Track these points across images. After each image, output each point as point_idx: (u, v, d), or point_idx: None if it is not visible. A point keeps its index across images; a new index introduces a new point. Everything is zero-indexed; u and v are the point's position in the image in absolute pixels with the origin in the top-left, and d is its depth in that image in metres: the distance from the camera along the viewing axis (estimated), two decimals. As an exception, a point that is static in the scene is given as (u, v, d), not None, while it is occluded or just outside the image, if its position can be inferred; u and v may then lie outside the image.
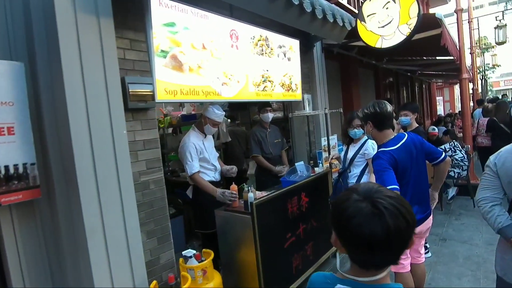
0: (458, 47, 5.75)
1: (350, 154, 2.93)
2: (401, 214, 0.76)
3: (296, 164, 3.35)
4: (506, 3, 13.25)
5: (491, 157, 1.77)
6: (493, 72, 22.45)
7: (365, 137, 2.95)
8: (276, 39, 3.59)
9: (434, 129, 6.90)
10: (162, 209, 2.40)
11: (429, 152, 2.31)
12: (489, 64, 19.71)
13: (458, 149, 5.37)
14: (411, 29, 3.66)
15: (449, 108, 19.34)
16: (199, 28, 2.68)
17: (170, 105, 4.69)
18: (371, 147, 2.89)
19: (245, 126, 5.32)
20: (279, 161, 3.82)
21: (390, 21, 3.81)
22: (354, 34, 4.09)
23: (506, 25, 10.76)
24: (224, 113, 3.06)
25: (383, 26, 3.87)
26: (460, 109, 11.29)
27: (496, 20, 10.89)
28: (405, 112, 3.47)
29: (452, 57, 6.19)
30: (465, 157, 5.30)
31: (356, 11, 4.54)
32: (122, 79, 2.13)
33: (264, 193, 2.85)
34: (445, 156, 2.29)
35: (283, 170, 3.58)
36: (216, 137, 4.38)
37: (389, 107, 2.27)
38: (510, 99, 6.92)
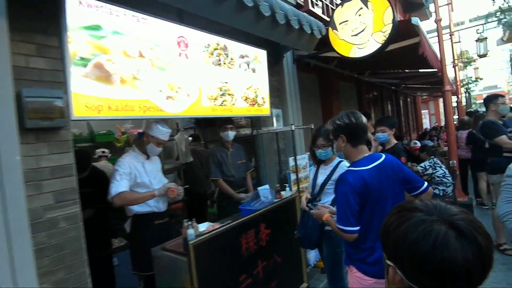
0: (439, 58, 5.51)
1: (321, 179, 2.46)
2: (488, 236, 0.66)
3: (259, 188, 2.92)
4: (486, 19, 13.39)
5: (511, 165, 1.66)
6: (476, 85, 22.73)
7: (337, 159, 2.49)
8: (237, 48, 3.22)
9: (416, 143, 6.61)
10: (77, 252, 1.92)
11: (409, 179, 1.88)
12: (471, 77, 19.92)
13: (438, 166, 5.07)
14: (386, 36, 3.35)
15: (434, 121, 19.34)
16: (135, 33, 2.28)
17: (128, 122, 4.24)
18: None
19: (215, 144, 4.89)
20: (243, 184, 3.38)
21: (364, 29, 3.50)
22: (327, 43, 3.78)
23: (486, 38, 10.78)
24: (170, 130, 2.64)
25: (356, 35, 3.56)
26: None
27: (477, 33, 10.92)
28: (382, 128, 3.10)
29: (434, 70, 5.97)
30: (446, 173, 4.99)
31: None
32: (17, 92, 1.69)
33: (216, 225, 2.41)
34: (427, 187, 1.88)
35: (246, 198, 3.13)
36: (176, 157, 3.94)
37: (364, 119, 1.89)
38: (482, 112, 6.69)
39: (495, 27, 16.38)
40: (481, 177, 5.56)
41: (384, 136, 3.06)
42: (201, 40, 2.82)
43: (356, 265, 1.82)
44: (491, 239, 0.67)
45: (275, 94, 3.88)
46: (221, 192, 3.31)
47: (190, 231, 2.05)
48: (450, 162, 5.62)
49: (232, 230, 2.27)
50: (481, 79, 19.81)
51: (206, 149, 4.51)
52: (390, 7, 3.34)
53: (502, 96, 4.22)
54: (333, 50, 3.72)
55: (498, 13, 12.12)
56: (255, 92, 3.45)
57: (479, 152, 5.10)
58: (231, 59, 3.14)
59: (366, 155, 1.87)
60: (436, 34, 5.93)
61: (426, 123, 18.53)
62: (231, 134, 3.26)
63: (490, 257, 0.66)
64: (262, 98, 3.55)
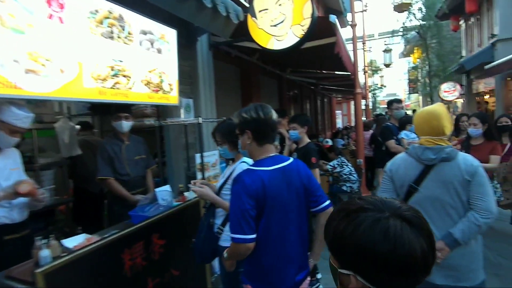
0: (353, 62, 5.77)
1: (220, 182, 2.14)
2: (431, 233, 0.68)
3: (156, 190, 2.47)
4: (392, 34, 15.00)
5: (388, 164, 1.93)
6: (381, 91, 25.63)
7: (243, 158, 2.17)
8: (138, 21, 2.68)
9: (327, 141, 6.92)
10: None
11: (314, 192, 1.67)
12: (377, 84, 22.33)
13: (345, 164, 5.36)
14: (305, 31, 3.20)
15: (346, 121, 21.13)
16: (-30, -27, 1.61)
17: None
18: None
19: (107, 136, 4.18)
20: (142, 184, 2.89)
21: (283, 20, 3.30)
22: (247, 32, 3.48)
23: (391, 49, 12.05)
24: (32, 115, 2.01)
25: (275, 25, 3.34)
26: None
27: (385, 44, 12.14)
28: (293, 125, 2.96)
29: (348, 73, 6.27)
30: (352, 170, 5.30)
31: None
32: None
33: (94, 238, 1.90)
34: (330, 205, 1.70)
35: (146, 200, 2.65)
36: (58, 150, 3.21)
37: (274, 114, 1.61)
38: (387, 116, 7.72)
39: (398, 43, 18.57)
40: (380, 173, 6.03)
41: (295, 133, 2.92)
42: (85, 3, 2.22)
43: (255, 286, 1.56)
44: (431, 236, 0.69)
45: (186, 82, 3.44)
46: (112, 194, 2.75)
47: (44, 253, 1.52)
48: (357, 160, 5.97)
49: (110, 246, 1.80)
50: (385, 86, 22.37)
51: (102, 139, 3.82)
52: (309, 0, 3.20)
53: (398, 101, 4.58)
54: (251, 39, 3.44)
55: (401, 30, 13.63)
56: (160, 77, 2.96)
57: (378, 151, 5.60)
58: (129, 33, 2.59)
59: (271, 155, 1.62)
60: (352, 42, 6.23)
61: (339, 123, 20.10)
62: (125, 124, 2.72)
63: (434, 240, 0.68)
64: (169, 84, 3.08)
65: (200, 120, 2.81)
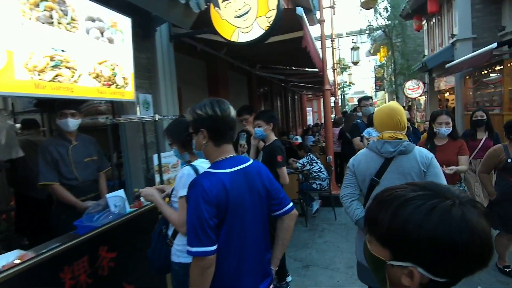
0: (321, 58, 5.72)
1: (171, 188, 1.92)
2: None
3: (107, 195, 2.22)
4: (359, 33, 15.29)
5: (351, 160, 2.00)
6: (349, 89, 26.30)
7: (198, 160, 1.72)
8: (83, 6, 2.39)
9: (297, 139, 6.87)
10: None
11: (276, 194, 1.53)
12: (346, 82, 22.86)
13: (314, 162, 5.32)
14: (270, 23, 3.04)
15: (317, 118, 21.42)
16: None
17: None
18: (181, 179, 1.60)
19: (52, 136, 3.80)
20: (94, 188, 2.61)
21: (248, 11, 3.12)
22: (210, 23, 3.27)
23: (359, 47, 12.29)
24: None
25: (239, 16, 3.15)
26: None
27: (352, 42, 12.35)
28: (258, 122, 2.80)
29: (317, 69, 6.23)
30: (322, 168, 5.27)
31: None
32: None
33: (29, 255, 1.63)
34: (293, 207, 1.57)
35: (98, 207, 2.37)
36: None
37: (233, 111, 1.43)
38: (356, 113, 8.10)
39: (366, 42, 19.05)
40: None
41: (260, 131, 2.76)
42: (15, -18, 1.91)
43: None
44: None
45: (144, 76, 3.17)
46: (59, 201, 2.45)
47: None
48: (327, 157, 5.96)
49: (45, 265, 1.54)
50: (353, 84, 22.94)
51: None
52: (275, -10, 3.05)
53: (366, 98, 4.61)
54: (214, 31, 3.24)
55: (368, 29, 13.92)
56: (113, 69, 2.68)
57: (346, 147, 5.89)
58: (72, 19, 2.29)
59: (230, 155, 1.44)
60: (321, 41, 6.19)
61: (310, 120, 20.33)
62: (72, 122, 2.43)
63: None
64: (124, 78, 2.80)
65: (157, 117, 2.57)
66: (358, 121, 4.48)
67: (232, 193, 1.33)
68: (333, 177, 5.89)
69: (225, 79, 6.23)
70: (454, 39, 9.44)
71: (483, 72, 8.30)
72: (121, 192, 2.30)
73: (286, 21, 3.37)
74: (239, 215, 1.37)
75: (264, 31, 3.07)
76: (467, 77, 9.18)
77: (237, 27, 3.16)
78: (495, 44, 6.24)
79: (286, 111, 13.28)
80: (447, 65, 9.01)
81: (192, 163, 1.66)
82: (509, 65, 6.83)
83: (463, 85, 9.37)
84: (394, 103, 1.95)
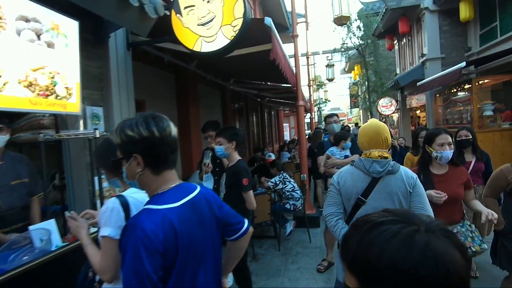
0: (295, 73, 5.57)
1: None
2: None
3: (30, 228, 1.82)
4: (334, 51, 15.60)
5: (334, 177, 1.94)
6: (325, 105, 26.75)
7: (130, 189, 1.36)
8: (15, 3, 2.06)
9: (270, 155, 6.64)
10: None
11: (229, 220, 1.28)
12: (322, 98, 23.22)
13: (287, 180, 5.06)
14: (236, 32, 2.81)
15: (294, 134, 21.45)
16: None
17: None
18: (104, 215, 1.25)
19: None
20: (23, 217, 2.19)
21: (212, 19, 2.88)
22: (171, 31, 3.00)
23: (333, 65, 12.45)
24: None
25: (203, 24, 2.90)
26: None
27: (327, 60, 12.52)
28: (219, 140, 2.50)
29: (289, 85, 6.08)
30: (295, 187, 5.02)
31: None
32: None
33: None
34: (249, 226, 1.32)
35: (24, 240, 1.95)
36: None
37: (174, 129, 1.15)
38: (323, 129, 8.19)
39: (340, 61, 19.54)
40: (318, 184, 6.45)
41: (221, 149, 2.46)
42: None
43: None
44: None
45: (94, 86, 2.82)
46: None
47: None
48: (301, 175, 5.73)
49: None
50: (329, 100, 23.32)
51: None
52: (242, -2, 2.83)
53: (331, 116, 4.47)
54: (176, 39, 2.96)
55: (342, 47, 14.22)
56: (52, 78, 2.32)
57: (314, 164, 5.69)
58: (-3, 17, 1.95)
59: (174, 185, 1.15)
60: (294, 56, 6.09)
61: (287, 135, 20.31)
62: (-6, 138, 2.04)
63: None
64: (67, 88, 2.45)
65: (98, 133, 2.22)
66: (325, 139, 4.42)
67: (182, 233, 1.05)
68: (307, 197, 5.65)
69: (195, 93, 5.95)
70: (424, 58, 9.72)
71: (452, 91, 8.52)
72: (49, 223, 1.91)
73: (254, 32, 3.17)
74: (191, 258, 1.09)
75: (230, 40, 2.83)
76: (438, 95, 9.41)
77: (200, 35, 2.91)
78: (463, 63, 6.38)
79: (262, 126, 13.11)
80: (418, 83, 9.21)
81: (121, 193, 1.32)
82: (477, 84, 7.00)
83: (434, 103, 9.59)
84: (378, 121, 1.93)
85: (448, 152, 2.29)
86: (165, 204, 1.07)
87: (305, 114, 14.36)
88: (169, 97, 5.46)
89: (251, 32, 3.02)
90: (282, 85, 6.97)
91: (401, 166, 1.84)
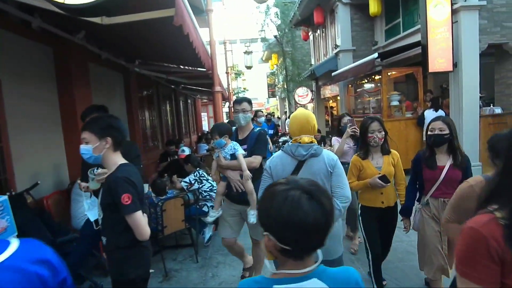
0: (210, 56, 4.83)
1: None
2: (329, 203, 0.88)
3: None
4: (251, 41, 15.22)
5: (267, 162, 2.18)
6: (244, 94, 26.58)
7: None
8: None
9: (183, 150, 5.87)
10: None
11: None
12: (240, 87, 22.91)
13: (204, 179, 4.37)
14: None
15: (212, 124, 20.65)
16: None
17: None
18: None
19: None
20: None
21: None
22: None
23: (252, 52, 12.04)
24: None
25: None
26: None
27: (245, 46, 12.03)
28: (84, 136, 1.61)
29: (204, 69, 5.32)
30: (214, 185, 4.36)
31: None
32: None
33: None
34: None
35: None
36: None
37: None
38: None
39: (258, 51, 19.35)
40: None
41: (87, 150, 1.58)
42: None
43: None
44: (331, 205, 0.89)
45: None
46: None
47: None
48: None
49: None
50: (247, 90, 23.13)
51: None
52: None
53: (240, 102, 3.79)
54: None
55: (260, 35, 13.91)
56: None
57: None
58: None
59: None
60: (209, 34, 5.31)
61: (205, 125, 19.41)
62: None
63: (332, 215, 0.88)
64: None
65: None
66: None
67: None
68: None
69: (84, 73, 4.70)
70: (338, 49, 9.98)
71: (363, 82, 8.90)
72: None
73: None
74: None
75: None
76: (350, 85, 9.79)
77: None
78: (376, 54, 6.54)
79: (178, 116, 11.99)
80: (333, 73, 9.40)
81: None
82: (386, 74, 7.33)
83: (346, 93, 9.96)
84: (306, 110, 2.21)
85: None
86: None
87: (223, 103, 13.73)
88: (45, 76, 4.14)
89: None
90: (198, 68, 6.14)
91: (324, 149, 2.09)
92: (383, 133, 2.71)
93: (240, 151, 2.78)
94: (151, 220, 3.44)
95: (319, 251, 0.89)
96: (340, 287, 0.86)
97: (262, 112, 5.65)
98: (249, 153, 2.84)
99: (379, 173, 2.66)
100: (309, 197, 0.82)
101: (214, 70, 4.77)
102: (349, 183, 2.29)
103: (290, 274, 0.85)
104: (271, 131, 8.69)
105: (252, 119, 6.18)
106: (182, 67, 6.88)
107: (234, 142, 2.85)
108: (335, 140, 4.05)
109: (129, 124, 6.79)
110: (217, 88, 4.84)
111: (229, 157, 2.80)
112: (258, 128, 3.05)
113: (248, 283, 0.91)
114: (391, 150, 2.82)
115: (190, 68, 6.07)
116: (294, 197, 0.82)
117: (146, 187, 3.72)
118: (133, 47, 5.37)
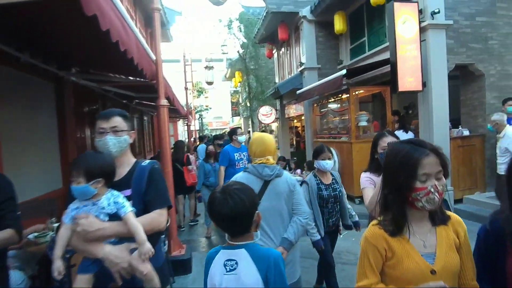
0: (155, 61, 3.99)
1: None
2: (241, 199, 1.35)
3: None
4: (210, 60, 14.61)
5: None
6: (207, 112, 25.70)
7: None
8: None
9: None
10: None
11: None
12: (203, 105, 22.04)
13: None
14: None
15: (173, 143, 19.45)
16: None
17: None
18: None
19: None
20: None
21: None
22: None
23: (213, 67, 11.35)
24: None
25: None
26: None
27: (206, 61, 11.34)
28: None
29: (142, 79, 4.44)
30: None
31: None
32: None
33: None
34: None
35: None
36: None
37: None
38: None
39: (221, 70, 18.79)
40: (179, 200, 6.34)
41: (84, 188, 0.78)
42: None
43: None
44: (247, 205, 1.37)
45: None
46: None
47: None
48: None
49: None
50: (210, 108, 22.30)
51: None
52: None
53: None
54: None
55: (223, 50, 13.35)
56: None
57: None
58: None
59: None
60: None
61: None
62: None
63: (240, 214, 1.36)
64: None
65: None
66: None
67: None
68: (172, 230, 4.10)
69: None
70: (303, 67, 9.59)
71: (329, 101, 8.49)
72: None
73: None
74: None
75: None
76: (315, 104, 9.36)
77: None
78: (344, 71, 6.09)
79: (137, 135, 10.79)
80: (298, 92, 8.93)
81: None
82: (354, 93, 6.93)
83: (312, 112, 9.51)
84: (266, 134, 2.49)
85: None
86: None
87: (186, 122, 12.78)
88: None
89: None
90: (137, 78, 5.18)
91: (283, 170, 2.30)
92: (444, 180, 1.28)
93: (128, 208, 1.63)
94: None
95: (258, 234, 1.50)
96: (259, 259, 1.35)
97: (241, 129, 4.63)
98: (141, 203, 1.73)
99: (432, 268, 1.25)
100: (224, 197, 1.35)
101: (159, 79, 3.92)
102: None
103: (229, 244, 1.41)
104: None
105: (230, 139, 5.18)
106: (117, 76, 5.89)
107: (115, 192, 1.66)
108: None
109: (60, 143, 5.64)
110: (163, 102, 3.99)
111: (106, 219, 1.63)
112: (147, 161, 1.87)
113: (211, 251, 1.48)
114: (449, 213, 1.38)
115: (130, 78, 5.12)
116: (216, 198, 1.38)
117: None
118: (70, 52, 4.40)
